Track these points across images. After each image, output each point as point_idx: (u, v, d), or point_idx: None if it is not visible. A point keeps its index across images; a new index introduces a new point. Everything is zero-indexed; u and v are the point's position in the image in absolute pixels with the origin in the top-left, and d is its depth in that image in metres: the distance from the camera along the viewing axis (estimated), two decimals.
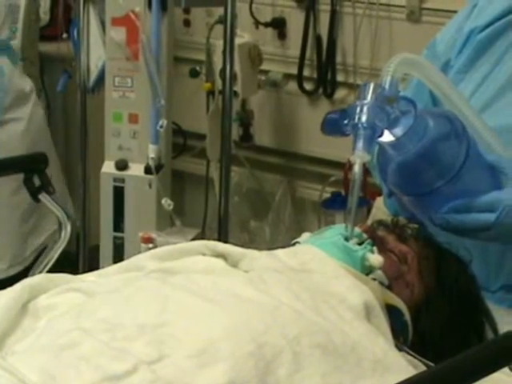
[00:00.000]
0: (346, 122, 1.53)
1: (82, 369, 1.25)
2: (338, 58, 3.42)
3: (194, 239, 2.89)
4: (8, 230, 3.06)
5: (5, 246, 3.07)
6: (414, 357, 1.54)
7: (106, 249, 3.16)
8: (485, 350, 1.28)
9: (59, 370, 1.25)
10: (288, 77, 3.54)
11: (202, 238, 3.02)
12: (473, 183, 1.60)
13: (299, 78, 3.49)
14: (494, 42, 1.86)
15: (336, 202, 3.37)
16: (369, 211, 2.44)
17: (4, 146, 3.02)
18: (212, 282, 1.46)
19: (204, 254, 1.62)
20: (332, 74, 3.44)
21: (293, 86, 3.54)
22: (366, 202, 2.95)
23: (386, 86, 1.54)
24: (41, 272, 1.79)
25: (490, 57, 1.86)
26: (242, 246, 1.68)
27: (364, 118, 1.50)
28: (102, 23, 3.11)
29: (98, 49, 3.14)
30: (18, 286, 1.51)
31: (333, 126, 1.56)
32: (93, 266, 2.93)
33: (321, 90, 3.47)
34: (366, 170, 1.71)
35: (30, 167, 1.80)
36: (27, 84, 3.18)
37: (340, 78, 3.43)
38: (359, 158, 1.51)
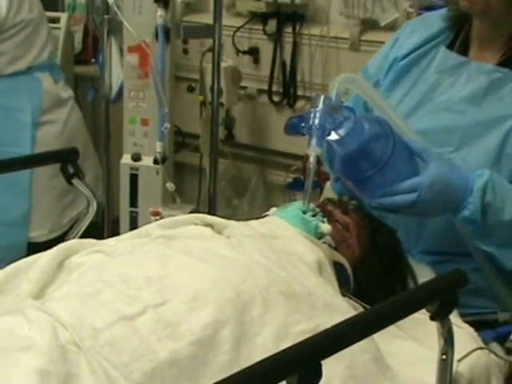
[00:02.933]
0: (303, 125, 1.52)
1: (103, 311, 1.23)
2: (298, 77, 3.39)
3: (190, 213, 2.86)
4: (47, 205, 3.01)
5: (45, 216, 3.02)
6: (355, 301, 1.53)
7: (125, 220, 3.13)
8: (408, 296, 1.27)
9: (86, 312, 1.23)
10: (261, 91, 3.52)
11: (197, 212, 3.00)
12: (398, 171, 1.59)
13: (269, 93, 3.47)
14: (412, 68, 1.85)
15: (297, 185, 3.35)
16: (321, 192, 2.43)
17: (41, 143, 2.95)
18: (202, 245, 1.45)
19: (196, 224, 1.61)
20: (293, 89, 3.41)
21: (264, 98, 3.51)
22: (319, 185, 2.93)
23: (333, 98, 1.54)
24: (74, 238, 1.76)
25: (408, 79, 1.85)
26: (226, 218, 1.66)
27: (316, 121, 1.50)
28: (121, 50, 3.08)
29: (117, 70, 3.11)
30: (55, 249, 1.49)
31: (293, 128, 1.55)
32: (114, 233, 2.90)
33: (285, 102, 3.45)
34: (319, 162, 1.71)
35: (65, 158, 1.77)
36: (65, 93, 3.11)
37: (299, 92, 3.40)
38: (313, 151, 1.51)
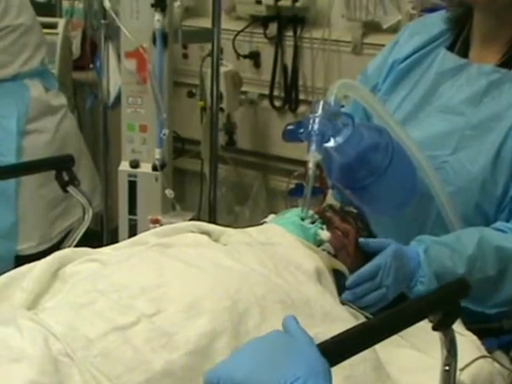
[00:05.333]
0: (301, 131, 1.51)
1: (97, 321, 1.22)
2: (300, 82, 3.40)
3: (191, 220, 2.86)
4: (36, 216, 2.94)
5: (33, 228, 2.95)
6: (355, 309, 1.52)
7: (123, 228, 3.13)
8: (410, 306, 1.26)
9: (79, 323, 1.23)
10: (262, 96, 3.52)
11: (198, 219, 3.00)
12: (395, 181, 1.59)
13: (270, 97, 3.47)
14: (411, 71, 1.85)
15: (299, 191, 3.34)
16: (324, 198, 2.42)
17: (29, 152, 2.88)
18: (198, 253, 1.44)
19: (193, 232, 1.60)
20: (295, 93, 3.41)
21: (266, 103, 3.51)
22: (321, 192, 2.92)
23: (332, 103, 1.53)
24: (69, 246, 1.76)
25: (408, 82, 1.85)
26: (228, 225, 1.65)
27: (316, 127, 1.49)
28: (119, 56, 3.08)
29: (115, 76, 3.11)
30: (49, 258, 1.48)
31: (291, 135, 1.55)
32: (114, 241, 2.89)
33: (287, 106, 3.45)
34: (321, 168, 1.71)
35: (60, 165, 1.77)
36: (57, 101, 3.05)
37: (301, 96, 3.41)
38: (313, 157, 1.50)
